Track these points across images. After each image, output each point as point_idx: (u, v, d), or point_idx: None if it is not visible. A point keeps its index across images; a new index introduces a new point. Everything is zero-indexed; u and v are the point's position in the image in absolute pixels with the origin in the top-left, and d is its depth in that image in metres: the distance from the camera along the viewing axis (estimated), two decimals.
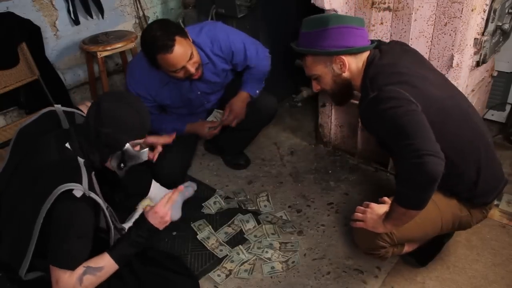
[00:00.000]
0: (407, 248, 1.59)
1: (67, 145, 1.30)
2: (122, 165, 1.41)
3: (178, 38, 1.66)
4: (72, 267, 1.20)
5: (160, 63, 1.71)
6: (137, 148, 1.41)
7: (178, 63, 1.70)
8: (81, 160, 1.29)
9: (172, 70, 1.73)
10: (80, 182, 1.21)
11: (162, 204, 1.37)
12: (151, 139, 1.77)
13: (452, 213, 1.44)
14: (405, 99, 1.24)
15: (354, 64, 1.42)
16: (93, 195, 1.23)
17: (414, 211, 1.26)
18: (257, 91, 2.08)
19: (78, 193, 1.18)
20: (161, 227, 1.37)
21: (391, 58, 1.40)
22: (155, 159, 1.74)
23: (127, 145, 1.36)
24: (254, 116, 2.10)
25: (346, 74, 1.43)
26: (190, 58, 1.73)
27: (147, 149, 1.45)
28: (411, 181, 1.21)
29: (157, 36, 1.64)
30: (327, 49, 1.39)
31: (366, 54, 1.42)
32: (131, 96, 1.45)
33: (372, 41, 1.47)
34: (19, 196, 1.27)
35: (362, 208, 1.43)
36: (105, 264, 1.26)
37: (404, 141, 1.20)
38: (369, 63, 1.40)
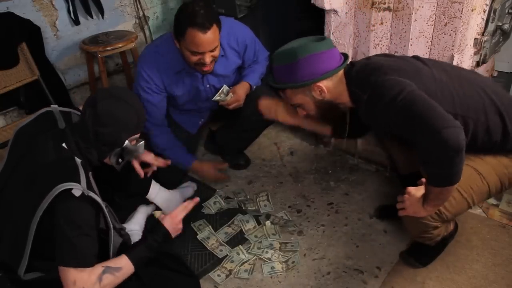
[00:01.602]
0: (452, 226, 1.62)
1: (64, 145, 1.30)
2: (120, 160, 1.43)
3: (215, 26, 1.68)
4: (86, 264, 1.19)
5: (186, 36, 1.68)
6: (134, 142, 1.43)
7: (202, 46, 1.69)
8: (78, 160, 1.28)
9: (191, 50, 1.72)
10: (79, 182, 1.21)
11: (178, 211, 1.45)
12: (148, 158, 1.78)
13: (497, 173, 1.42)
14: (398, 82, 1.27)
15: (332, 84, 1.43)
16: (92, 194, 1.23)
17: (450, 187, 1.25)
18: (254, 86, 2.10)
19: (77, 192, 1.18)
20: (174, 234, 1.43)
21: (360, 62, 1.46)
22: (142, 175, 1.76)
23: (126, 142, 1.38)
24: (257, 117, 2.10)
25: (328, 96, 1.45)
26: (212, 50, 1.74)
27: (143, 141, 1.46)
28: (438, 159, 1.19)
29: (199, 12, 1.64)
30: (302, 81, 1.42)
31: (341, 72, 1.45)
32: (126, 92, 1.45)
33: (344, 55, 1.49)
34: (17, 196, 1.27)
35: (401, 196, 1.39)
36: (124, 265, 1.28)
37: (416, 123, 1.20)
38: (347, 76, 1.44)
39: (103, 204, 1.29)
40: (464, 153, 1.18)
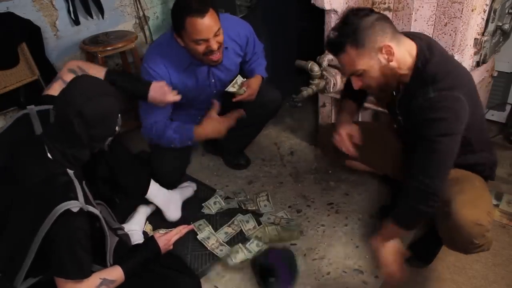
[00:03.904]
0: None
1: (49, 155, 1.26)
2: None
3: (211, 10, 1.67)
4: (84, 276, 1.23)
5: (186, 27, 1.66)
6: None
7: (205, 31, 1.67)
8: (70, 172, 1.26)
9: (195, 39, 1.69)
10: (76, 197, 1.20)
11: (173, 234, 1.51)
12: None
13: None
14: (459, 121, 1.27)
15: (398, 50, 1.30)
16: (91, 208, 1.23)
17: (402, 231, 1.36)
18: (265, 78, 2.10)
19: (75, 209, 1.18)
20: (164, 251, 1.49)
21: (439, 52, 1.36)
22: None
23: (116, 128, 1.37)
24: (260, 110, 2.09)
25: (393, 63, 1.31)
26: (216, 35, 1.71)
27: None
28: (412, 205, 1.31)
29: (193, 1, 1.64)
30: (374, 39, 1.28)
31: (408, 42, 1.34)
32: (96, 83, 1.35)
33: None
34: (10, 213, 1.24)
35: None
36: (118, 277, 1.33)
37: (428, 168, 1.27)
38: (423, 54, 1.33)
39: (100, 215, 1.29)
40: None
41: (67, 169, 1.27)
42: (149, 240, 1.49)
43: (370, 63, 1.30)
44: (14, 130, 1.39)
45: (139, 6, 2.98)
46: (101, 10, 2.74)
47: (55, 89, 1.48)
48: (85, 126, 1.26)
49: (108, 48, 2.49)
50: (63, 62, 2.72)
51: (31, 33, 2.37)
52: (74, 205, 1.18)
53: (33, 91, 2.44)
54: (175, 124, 1.93)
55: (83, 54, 2.74)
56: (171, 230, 1.54)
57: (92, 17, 2.73)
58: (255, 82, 2.02)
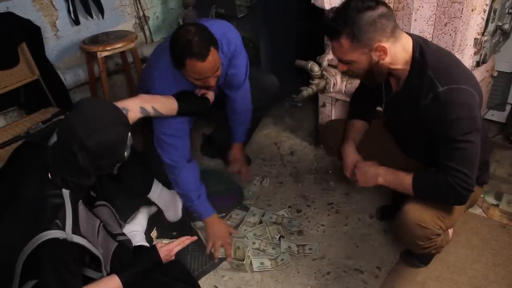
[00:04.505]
0: (451, 233, 1.66)
1: (49, 175, 1.23)
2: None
3: (212, 49, 1.64)
4: None
5: (186, 67, 1.66)
6: None
7: (205, 73, 1.67)
8: (66, 192, 1.23)
9: (194, 77, 1.70)
10: (63, 224, 1.17)
11: (175, 245, 1.49)
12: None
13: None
14: (476, 114, 1.26)
15: (393, 48, 1.29)
16: (76, 238, 1.19)
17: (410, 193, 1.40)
18: (244, 137, 2.14)
19: (60, 237, 1.16)
20: (165, 261, 1.46)
21: (436, 46, 1.36)
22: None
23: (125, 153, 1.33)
24: (261, 95, 2.08)
25: (385, 61, 1.31)
26: (215, 71, 1.71)
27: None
28: (441, 194, 1.32)
29: (194, 41, 1.60)
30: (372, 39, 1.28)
31: (405, 38, 1.32)
32: (101, 111, 1.26)
33: None
34: (4, 219, 1.23)
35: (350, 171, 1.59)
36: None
37: (458, 164, 1.27)
38: (419, 45, 1.31)
39: (87, 244, 1.24)
40: None
41: (63, 189, 1.24)
42: (151, 249, 1.47)
43: (361, 57, 1.31)
44: (40, 133, 1.39)
45: (139, 6, 2.97)
46: (101, 10, 2.74)
47: None
48: (90, 158, 1.22)
49: (108, 48, 2.49)
50: (63, 62, 2.72)
51: (31, 33, 2.37)
52: (58, 235, 1.15)
53: (33, 91, 2.44)
54: (203, 196, 1.88)
55: (83, 54, 2.74)
56: (173, 241, 1.52)
57: (92, 17, 2.73)
58: (237, 154, 2.12)
